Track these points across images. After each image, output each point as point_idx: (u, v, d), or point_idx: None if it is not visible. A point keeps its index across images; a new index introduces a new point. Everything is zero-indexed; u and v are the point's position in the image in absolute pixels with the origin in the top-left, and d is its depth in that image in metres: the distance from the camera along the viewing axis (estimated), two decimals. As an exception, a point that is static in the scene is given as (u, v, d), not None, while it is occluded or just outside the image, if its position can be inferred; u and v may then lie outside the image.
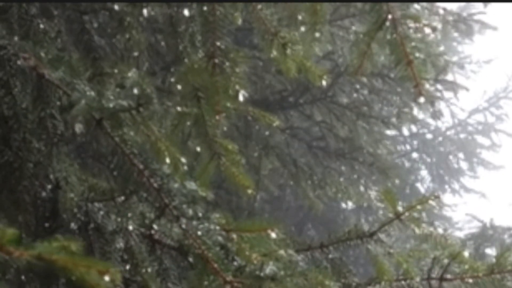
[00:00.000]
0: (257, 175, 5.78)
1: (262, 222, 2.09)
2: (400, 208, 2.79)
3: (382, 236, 2.84)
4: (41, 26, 2.72)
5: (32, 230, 2.53)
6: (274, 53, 2.67)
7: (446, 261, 2.77)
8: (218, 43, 2.49)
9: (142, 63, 3.65)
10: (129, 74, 2.39)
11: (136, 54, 3.29)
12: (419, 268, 2.84)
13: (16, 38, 2.58)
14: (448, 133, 9.71)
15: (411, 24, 2.19)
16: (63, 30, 3.00)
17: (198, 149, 2.68)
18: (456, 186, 9.76)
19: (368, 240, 2.85)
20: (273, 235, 2.03)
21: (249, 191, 2.58)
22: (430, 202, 2.80)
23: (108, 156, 2.27)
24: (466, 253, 2.81)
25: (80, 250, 1.35)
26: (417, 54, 2.15)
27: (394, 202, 2.81)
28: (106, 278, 1.37)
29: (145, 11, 3.18)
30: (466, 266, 2.76)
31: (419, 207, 2.80)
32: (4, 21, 2.65)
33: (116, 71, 2.62)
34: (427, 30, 2.24)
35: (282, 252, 2.06)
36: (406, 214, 2.79)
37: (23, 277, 2.42)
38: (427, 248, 2.84)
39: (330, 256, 2.82)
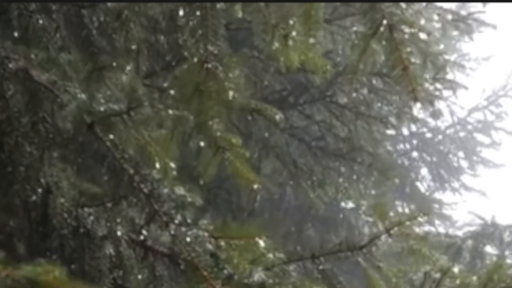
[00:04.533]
0: (257, 175, 5.74)
1: (250, 229, 2.07)
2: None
3: (372, 249, 2.81)
4: (40, 21, 2.71)
5: (25, 235, 2.52)
6: (276, 45, 2.62)
7: (437, 275, 2.74)
8: (210, 48, 2.45)
9: (142, 62, 3.63)
10: (124, 76, 2.38)
11: (134, 47, 3.25)
12: (410, 283, 2.82)
13: (9, 42, 2.57)
14: (448, 131, 9.66)
15: (407, 30, 2.15)
16: (62, 25, 2.98)
17: (202, 143, 2.65)
18: (456, 184, 9.71)
19: (358, 252, 2.83)
20: (261, 242, 2.01)
21: (255, 186, 2.55)
22: (419, 219, 2.79)
23: (100, 160, 2.27)
24: (455, 269, 2.79)
25: (64, 275, 1.35)
26: (412, 60, 2.12)
27: (384, 217, 2.79)
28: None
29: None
30: (458, 282, 2.74)
31: (407, 223, 2.78)
32: (3, 20, 2.65)
33: (114, 64, 2.61)
34: (423, 35, 2.21)
35: (270, 255, 2.04)
36: (395, 229, 2.78)
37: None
38: (417, 262, 2.82)
39: (321, 267, 2.79)
